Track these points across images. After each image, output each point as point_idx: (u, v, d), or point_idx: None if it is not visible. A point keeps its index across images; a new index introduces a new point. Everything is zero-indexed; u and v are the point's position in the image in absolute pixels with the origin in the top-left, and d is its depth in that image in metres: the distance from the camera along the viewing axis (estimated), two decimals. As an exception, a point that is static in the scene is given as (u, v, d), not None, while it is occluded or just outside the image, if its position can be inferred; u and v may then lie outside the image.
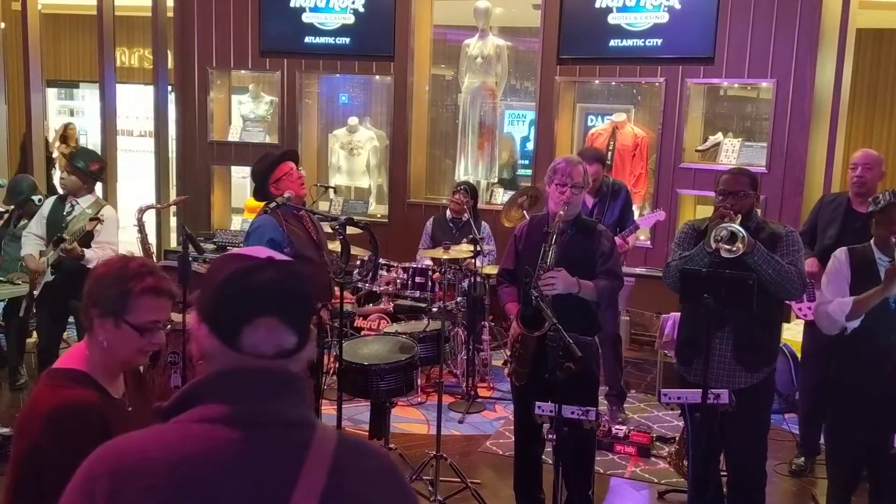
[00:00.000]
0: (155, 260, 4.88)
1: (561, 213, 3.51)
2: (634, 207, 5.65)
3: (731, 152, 6.53)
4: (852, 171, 4.48)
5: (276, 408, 1.23)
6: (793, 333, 5.54)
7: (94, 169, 4.91)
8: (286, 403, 1.24)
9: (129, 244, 5.15)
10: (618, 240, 4.96)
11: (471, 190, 6.23)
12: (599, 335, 5.35)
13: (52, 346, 5.01)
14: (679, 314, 4.55)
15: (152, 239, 5.60)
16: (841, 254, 3.44)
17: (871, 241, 3.39)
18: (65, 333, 5.33)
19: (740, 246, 3.13)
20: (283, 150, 4.50)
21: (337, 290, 3.73)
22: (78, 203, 4.88)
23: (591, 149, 5.96)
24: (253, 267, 1.26)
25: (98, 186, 5.37)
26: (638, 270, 5.82)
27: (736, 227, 3.16)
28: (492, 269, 5.63)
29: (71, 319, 5.12)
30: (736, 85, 6.93)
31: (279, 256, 1.32)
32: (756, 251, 3.22)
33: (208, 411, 1.20)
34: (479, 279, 5.78)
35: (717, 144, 6.66)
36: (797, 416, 5.30)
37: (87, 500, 1.17)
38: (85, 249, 4.72)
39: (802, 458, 4.66)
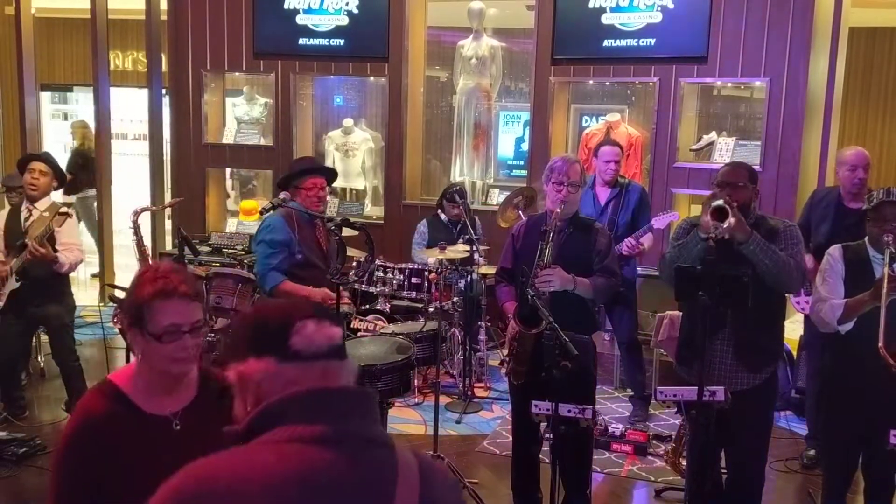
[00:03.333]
0: (150, 262, 4.86)
1: (558, 210, 3.53)
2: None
3: (725, 151, 6.55)
4: (852, 172, 4.47)
5: (360, 427, 1.23)
6: (788, 331, 5.55)
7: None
8: (367, 422, 1.25)
9: (125, 247, 5.14)
10: (631, 240, 4.98)
11: (464, 193, 6.22)
12: (618, 341, 5.45)
13: (15, 356, 4.98)
14: (674, 312, 4.56)
15: (148, 241, 5.58)
16: (835, 251, 3.44)
17: (866, 239, 3.40)
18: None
19: (731, 221, 3.07)
20: (324, 166, 4.51)
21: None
22: (35, 208, 4.84)
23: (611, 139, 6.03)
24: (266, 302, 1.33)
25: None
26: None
27: (722, 203, 3.11)
28: (488, 269, 5.63)
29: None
30: (729, 84, 6.95)
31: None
32: (752, 240, 3.18)
33: (297, 431, 1.18)
34: (475, 277, 5.79)
35: (711, 143, 6.68)
36: (793, 414, 5.34)
37: None
38: (56, 253, 4.69)
39: (812, 451, 4.65)
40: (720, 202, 3.13)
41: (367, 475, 1.19)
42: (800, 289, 3.81)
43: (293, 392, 1.22)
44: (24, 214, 4.84)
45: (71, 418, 1.94)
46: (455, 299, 5.71)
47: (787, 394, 5.44)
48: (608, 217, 5.08)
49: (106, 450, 1.83)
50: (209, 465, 1.17)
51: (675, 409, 4.96)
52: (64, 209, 4.79)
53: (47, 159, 5.06)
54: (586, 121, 7.53)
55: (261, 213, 3.99)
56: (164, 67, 8.14)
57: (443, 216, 6.16)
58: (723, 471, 3.65)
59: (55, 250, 4.70)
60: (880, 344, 3.06)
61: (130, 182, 9.79)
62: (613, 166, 5.17)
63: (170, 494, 1.14)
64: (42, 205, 4.85)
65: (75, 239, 4.89)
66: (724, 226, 3.08)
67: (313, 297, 3.89)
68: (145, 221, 6.61)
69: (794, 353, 5.45)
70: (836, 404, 3.45)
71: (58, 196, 5.31)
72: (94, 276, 8.33)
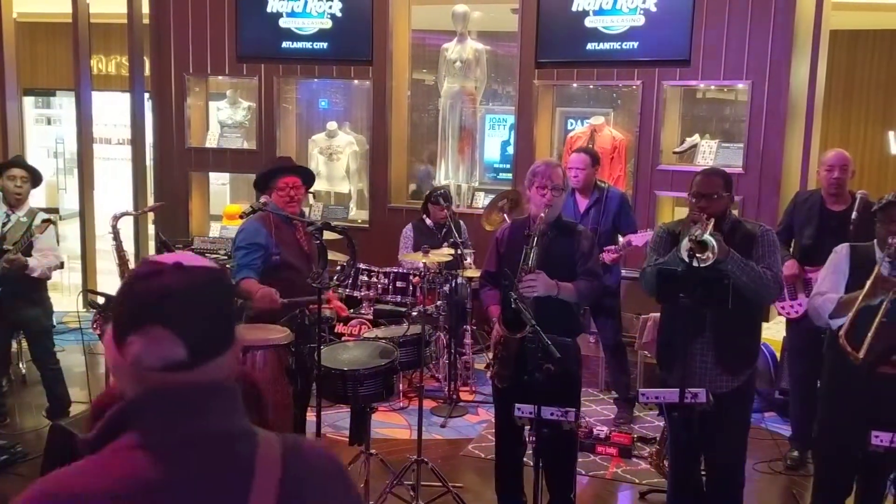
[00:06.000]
0: (131, 267, 4.83)
1: (542, 214, 3.53)
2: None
3: (709, 153, 6.58)
4: (829, 172, 4.50)
5: (209, 424, 1.16)
6: (772, 332, 5.59)
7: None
8: (220, 416, 1.17)
9: (105, 252, 5.11)
10: (612, 254, 4.97)
11: (449, 196, 6.20)
12: (602, 343, 5.45)
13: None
14: (659, 315, 4.57)
15: (129, 246, 5.55)
16: (843, 249, 3.43)
17: (875, 241, 3.37)
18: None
19: (710, 255, 3.10)
20: (297, 165, 4.48)
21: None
22: (14, 213, 4.83)
23: (586, 146, 6.02)
24: (152, 271, 1.17)
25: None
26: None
27: (707, 236, 3.12)
28: (473, 273, 5.62)
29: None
30: (712, 87, 6.98)
31: (192, 263, 1.20)
32: (730, 258, 3.20)
33: (137, 438, 1.13)
34: (460, 282, 5.78)
35: (695, 146, 6.70)
36: (777, 415, 5.36)
37: None
38: (28, 258, 4.68)
39: (796, 452, 4.67)
40: (703, 237, 3.12)
41: (216, 477, 1.14)
42: (776, 299, 3.82)
43: (130, 398, 1.16)
44: (2, 218, 4.81)
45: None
46: (439, 303, 5.70)
47: (771, 395, 5.47)
48: (590, 225, 5.06)
49: None
50: (54, 481, 1.13)
51: (658, 412, 4.97)
52: (47, 217, 4.79)
53: (24, 164, 5.04)
54: (571, 124, 7.54)
55: (241, 217, 3.97)
56: (147, 71, 8.10)
57: (427, 220, 6.15)
58: (702, 472, 3.65)
59: (29, 255, 4.71)
60: (841, 333, 3.07)
61: (114, 187, 9.73)
62: (577, 174, 5.11)
63: None
64: (21, 211, 4.83)
65: (52, 244, 4.89)
66: (704, 257, 3.10)
67: (262, 296, 3.82)
68: (127, 227, 6.58)
69: (778, 354, 5.47)
70: (830, 411, 3.42)
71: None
72: None
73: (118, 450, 1.13)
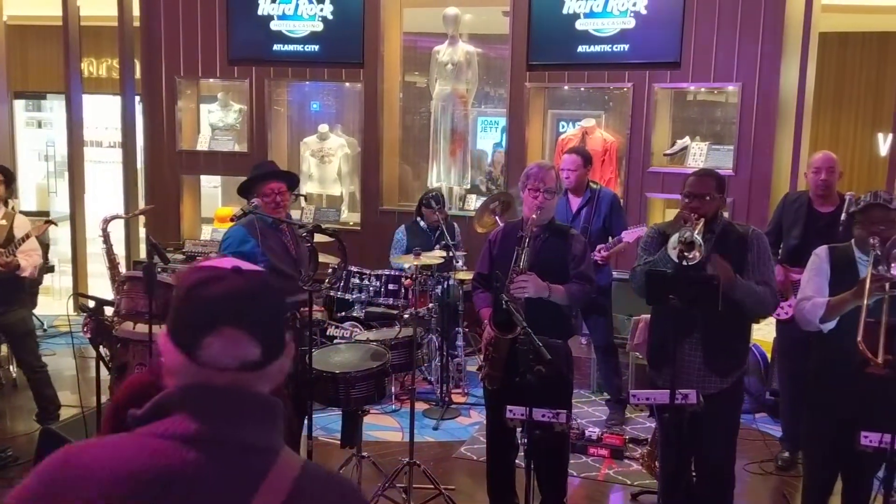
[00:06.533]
0: (122, 270, 4.82)
1: (534, 216, 3.54)
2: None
3: (699, 155, 6.60)
4: (816, 174, 4.54)
5: (239, 430, 1.19)
6: (763, 334, 5.61)
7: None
8: (252, 426, 1.20)
9: (96, 255, 5.09)
10: (603, 252, 4.98)
11: (441, 199, 6.21)
12: (594, 345, 5.46)
13: None
14: (650, 316, 4.59)
15: (120, 250, 5.53)
16: (822, 252, 3.45)
17: (852, 241, 3.40)
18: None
19: (696, 254, 3.12)
20: (284, 171, 4.47)
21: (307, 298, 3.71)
22: None
23: (578, 146, 6.03)
24: (214, 276, 1.22)
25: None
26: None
27: (694, 236, 3.15)
28: (465, 275, 5.63)
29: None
30: (703, 89, 7.00)
31: (247, 266, 1.25)
32: (736, 286, 3.24)
33: (173, 426, 1.17)
34: (452, 284, 5.78)
35: (685, 148, 6.72)
36: (768, 416, 5.37)
37: (39, 501, 1.16)
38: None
39: (787, 453, 4.70)
40: (690, 236, 3.15)
41: (222, 482, 1.16)
42: (774, 311, 3.85)
43: (187, 386, 1.20)
44: None
45: None
46: (431, 305, 5.70)
47: (762, 396, 5.48)
48: (581, 225, 5.08)
49: None
50: (79, 449, 1.19)
51: (648, 413, 4.98)
52: (49, 219, 4.80)
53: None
54: (563, 126, 7.56)
55: (232, 220, 3.96)
56: (138, 74, 8.08)
57: (421, 223, 6.15)
58: (693, 473, 3.66)
59: (14, 255, 4.70)
60: (859, 338, 3.07)
61: (105, 190, 9.72)
62: (568, 175, 5.12)
63: (39, 471, 1.18)
64: None
65: (35, 244, 4.88)
66: (691, 256, 3.12)
67: None
68: (118, 230, 6.56)
69: (769, 355, 5.49)
70: (817, 408, 3.44)
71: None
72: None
73: (147, 434, 1.17)
